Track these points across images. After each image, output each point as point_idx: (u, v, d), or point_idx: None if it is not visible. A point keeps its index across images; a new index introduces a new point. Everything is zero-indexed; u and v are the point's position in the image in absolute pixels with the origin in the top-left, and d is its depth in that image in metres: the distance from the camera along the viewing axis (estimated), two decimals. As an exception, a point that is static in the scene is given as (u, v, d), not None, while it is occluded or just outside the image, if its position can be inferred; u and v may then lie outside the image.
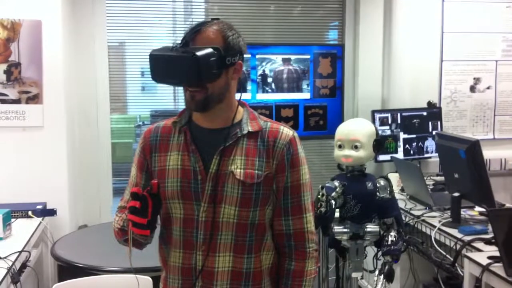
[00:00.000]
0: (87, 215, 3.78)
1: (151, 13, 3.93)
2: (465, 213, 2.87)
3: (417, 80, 3.94)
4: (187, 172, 1.55)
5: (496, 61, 4.04)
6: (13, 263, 2.44)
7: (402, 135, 3.82)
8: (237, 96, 1.60)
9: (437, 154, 3.42)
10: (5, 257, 2.45)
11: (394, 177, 3.32)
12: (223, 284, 1.55)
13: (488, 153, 3.42)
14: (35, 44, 3.28)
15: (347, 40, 4.14)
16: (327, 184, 2.55)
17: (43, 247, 3.21)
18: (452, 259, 2.57)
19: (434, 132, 3.75)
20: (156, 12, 3.95)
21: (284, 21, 4.09)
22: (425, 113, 3.87)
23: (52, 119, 3.33)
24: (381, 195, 2.56)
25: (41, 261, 3.19)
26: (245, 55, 1.57)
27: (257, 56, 3.74)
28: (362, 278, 2.82)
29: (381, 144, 2.58)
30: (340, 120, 3.77)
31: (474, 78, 4.03)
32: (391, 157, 3.67)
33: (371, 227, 2.57)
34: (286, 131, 1.59)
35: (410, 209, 3.11)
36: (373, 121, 3.70)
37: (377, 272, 2.56)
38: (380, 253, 2.61)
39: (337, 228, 2.57)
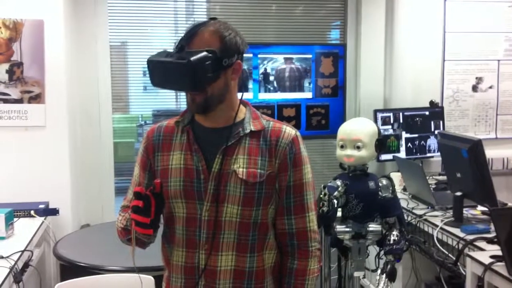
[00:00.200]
0: (89, 214, 3.78)
1: (153, 12, 3.93)
2: (467, 212, 2.87)
3: (419, 79, 3.94)
4: (189, 172, 1.55)
5: (498, 60, 4.04)
6: (16, 262, 2.44)
7: (404, 135, 3.82)
8: (239, 95, 1.60)
9: (439, 153, 3.42)
10: (7, 257, 2.45)
11: (396, 177, 3.32)
12: (225, 283, 1.55)
13: (490, 153, 3.41)
14: (37, 44, 3.29)
15: (349, 39, 4.14)
16: (329, 184, 2.55)
17: (46, 246, 3.21)
18: (454, 258, 2.57)
19: (436, 132, 3.75)
20: (158, 12, 3.95)
21: (286, 21, 4.09)
22: (427, 113, 3.87)
23: (54, 119, 3.33)
24: (383, 195, 2.56)
25: (43, 260, 3.19)
26: (246, 55, 1.57)
27: (259, 56, 3.74)
28: (364, 277, 2.83)
29: (383, 144, 2.57)
30: (342, 119, 3.77)
31: (476, 78, 4.02)
32: (393, 156, 3.67)
33: (373, 227, 2.57)
34: (289, 130, 1.59)
35: (412, 208, 3.11)
36: (375, 121, 3.70)
37: (379, 271, 2.56)
38: (382, 252, 2.61)
39: (339, 228, 2.57)
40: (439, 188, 3.45)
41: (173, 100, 4.12)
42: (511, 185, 3.97)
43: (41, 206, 3.18)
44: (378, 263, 2.63)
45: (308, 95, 3.85)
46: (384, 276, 2.52)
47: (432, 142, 3.85)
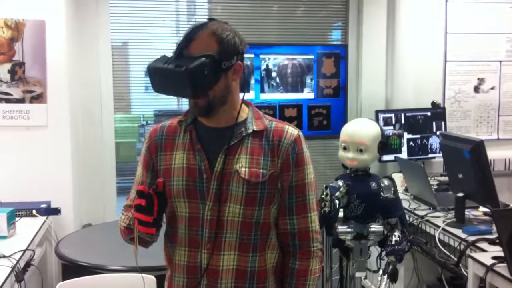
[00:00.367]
0: (91, 214, 3.78)
1: (155, 13, 3.93)
2: (469, 213, 2.87)
3: (420, 80, 3.94)
4: (192, 171, 1.55)
5: (500, 61, 4.03)
6: (17, 261, 2.45)
7: (406, 135, 3.82)
8: (241, 95, 1.60)
9: (441, 154, 3.42)
10: (9, 256, 2.45)
11: (398, 177, 3.32)
12: (227, 283, 1.55)
13: (492, 154, 3.41)
14: (39, 44, 3.29)
15: (350, 40, 4.14)
16: (331, 184, 2.55)
17: (47, 246, 3.21)
18: (456, 259, 2.57)
19: (438, 132, 3.75)
20: (160, 12, 3.96)
21: (287, 21, 4.09)
22: (429, 113, 3.87)
23: (56, 119, 3.34)
24: (385, 195, 2.55)
25: (45, 260, 3.19)
26: (247, 55, 1.56)
27: (261, 56, 3.74)
28: (365, 278, 2.81)
29: (386, 146, 2.57)
30: (344, 120, 3.77)
31: (478, 79, 4.02)
32: (395, 157, 3.67)
33: (375, 227, 2.56)
34: (291, 130, 1.59)
35: (414, 209, 3.11)
36: (377, 122, 3.69)
37: (380, 272, 2.56)
38: (384, 253, 2.60)
39: (341, 228, 2.56)
40: (441, 189, 3.45)
41: (175, 100, 4.12)
42: (513, 186, 3.97)
43: (43, 205, 3.19)
44: (380, 264, 2.63)
45: (310, 95, 3.85)
46: (385, 277, 2.51)
47: (435, 140, 3.84)
